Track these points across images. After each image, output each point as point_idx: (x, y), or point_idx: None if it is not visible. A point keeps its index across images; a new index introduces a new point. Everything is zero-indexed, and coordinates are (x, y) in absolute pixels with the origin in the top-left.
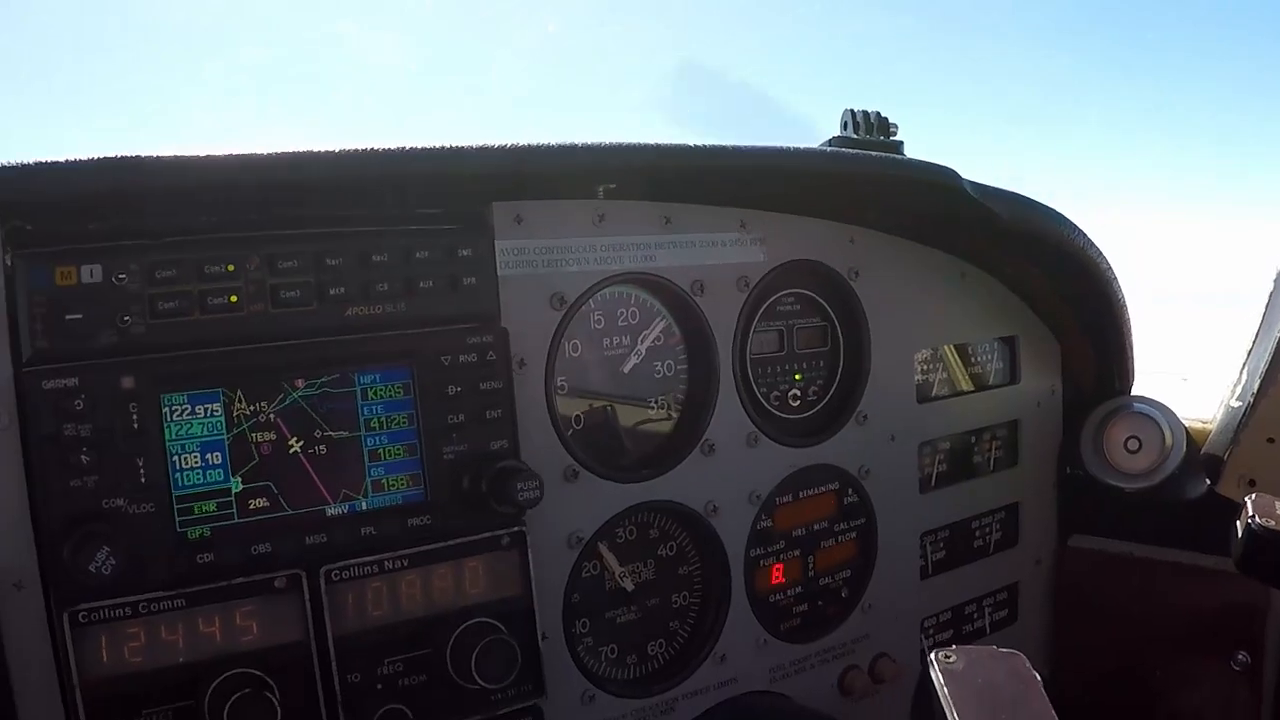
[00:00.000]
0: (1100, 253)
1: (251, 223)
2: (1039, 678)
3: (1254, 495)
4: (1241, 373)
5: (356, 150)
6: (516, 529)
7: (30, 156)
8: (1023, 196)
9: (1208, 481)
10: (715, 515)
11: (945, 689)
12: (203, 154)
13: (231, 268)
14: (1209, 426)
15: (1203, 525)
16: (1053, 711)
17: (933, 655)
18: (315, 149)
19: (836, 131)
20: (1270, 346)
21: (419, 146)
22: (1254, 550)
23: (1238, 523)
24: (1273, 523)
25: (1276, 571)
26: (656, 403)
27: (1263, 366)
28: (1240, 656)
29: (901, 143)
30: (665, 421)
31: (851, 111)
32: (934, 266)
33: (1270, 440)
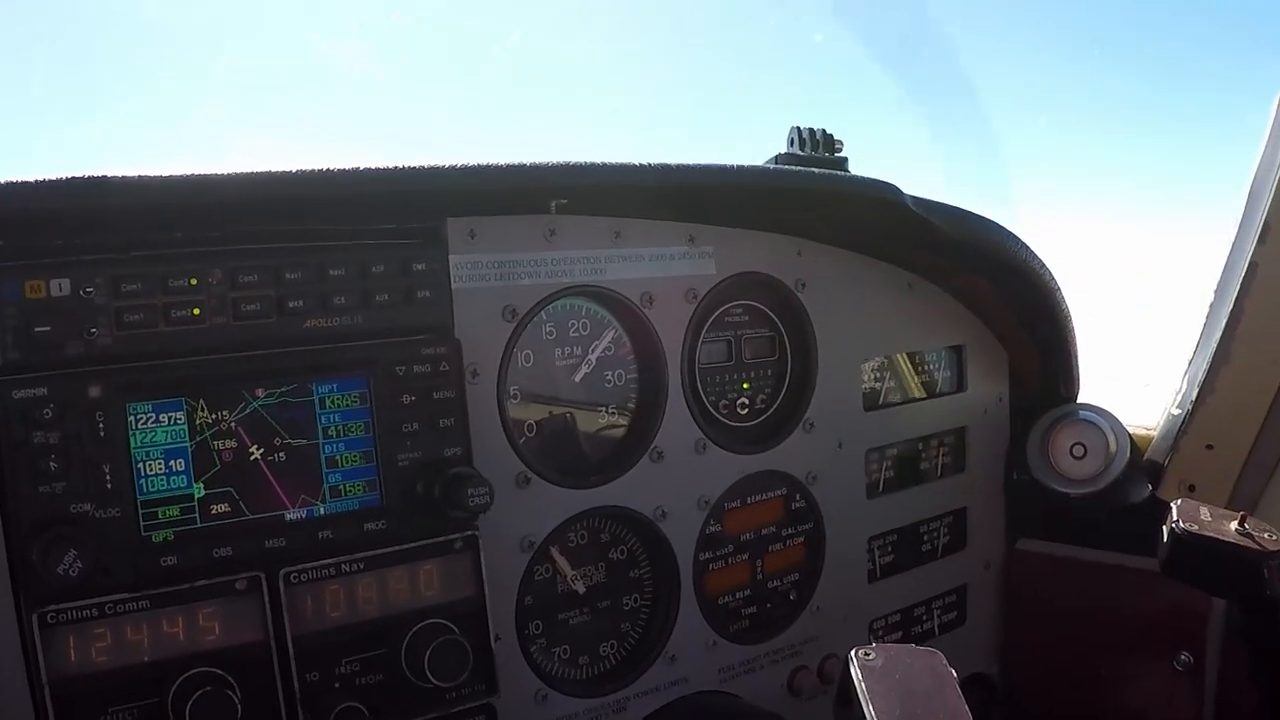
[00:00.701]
0: (1043, 264)
1: (214, 237)
2: (955, 675)
3: (1179, 500)
4: (1182, 381)
5: (313, 171)
6: (469, 533)
7: None
8: (964, 211)
9: (1150, 487)
10: (664, 520)
11: (863, 684)
12: (165, 174)
13: (194, 281)
14: (1153, 432)
15: (1145, 529)
16: (966, 708)
17: (853, 653)
18: (273, 169)
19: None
20: (1208, 356)
21: (373, 167)
22: (1177, 554)
23: (1163, 527)
24: (1195, 527)
25: (1198, 574)
26: (607, 411)
27: (1200, 375)
28: (1183, 657)
29: (846, 159)
30: (616, 429)
31: (798, 128)
32: (881, 277)
33: (1209, 446)
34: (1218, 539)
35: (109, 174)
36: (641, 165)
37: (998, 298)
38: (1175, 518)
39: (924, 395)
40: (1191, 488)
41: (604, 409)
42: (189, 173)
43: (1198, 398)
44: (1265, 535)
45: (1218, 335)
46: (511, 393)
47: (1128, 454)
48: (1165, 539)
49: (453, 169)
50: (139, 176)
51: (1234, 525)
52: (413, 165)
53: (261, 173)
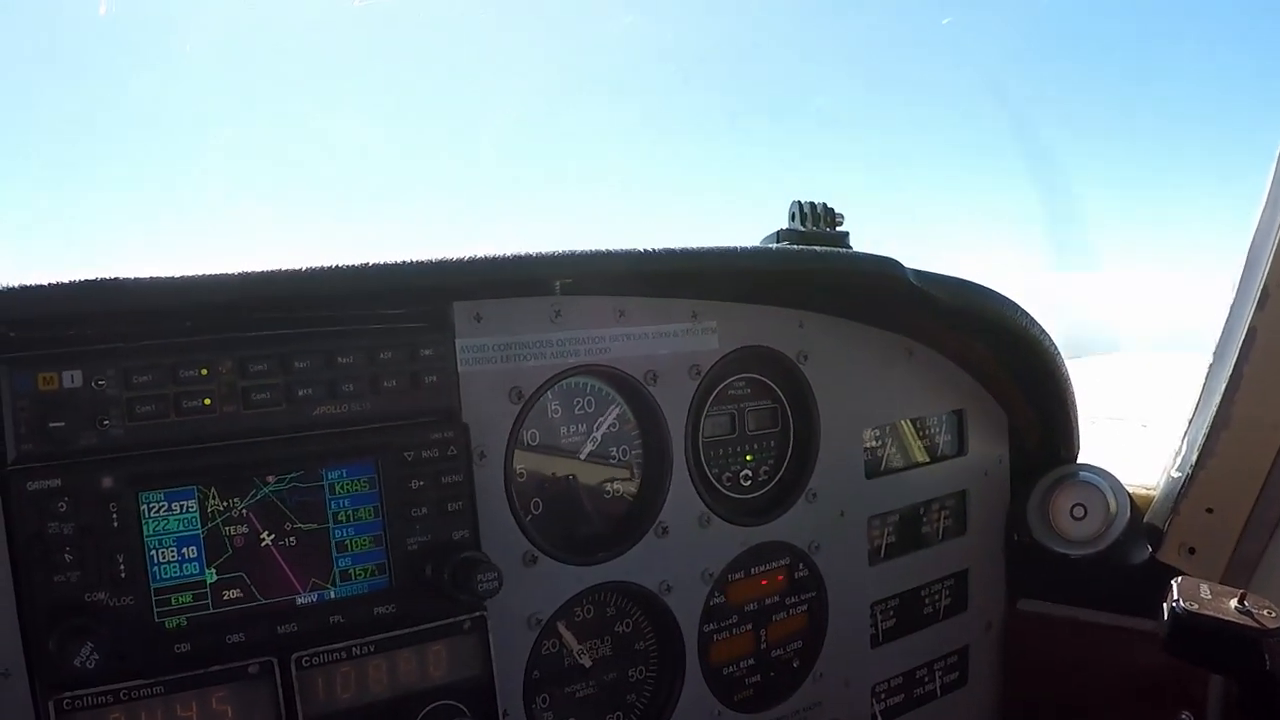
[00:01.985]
0: (1043, 330)
1: (224, 326)
2: None
3: (1180, 579)
4: (1182, 444)
5: (322, 268)
6: (477, 614)
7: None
8: (965, 281)
9: (1150, 548)
10: (669, 594)
11: None
12: (178, 275)
13: (205, 371)
14: (1153, 492)
15: (1146, 590)
16: None
17: None
18: (283, 268)
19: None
20: (1207, 419)
21: (379, 263)
22: (1179, 632)
23: (1164, 605)
24: (1196, 606)
25: (1200, 652)
26: (612, 486)
27: (1200, 439)
28: (1183, 717)
29: (847, 233)
30: (621, 504)
31: (799, 203)
32: (881, 345)
33: (1209, 510)
34: (1218, 618)
35: (123, 276)
36: (646, 252)
37: (998, 362)
38: (1176, 596)
39: (927, 459)
40: (1191, 550)
41: (609, 485)
42: (202, 273)
43: (1197, 461)
44: (1265, 612)
45: (1217, 399)
46: (518, 471)
47: (1128, 515)
48: (1166, 617)
49: (459, 262)
50: (153, 278)
51: (1234, 603)
52: (419, 259)
53: (272, 271)
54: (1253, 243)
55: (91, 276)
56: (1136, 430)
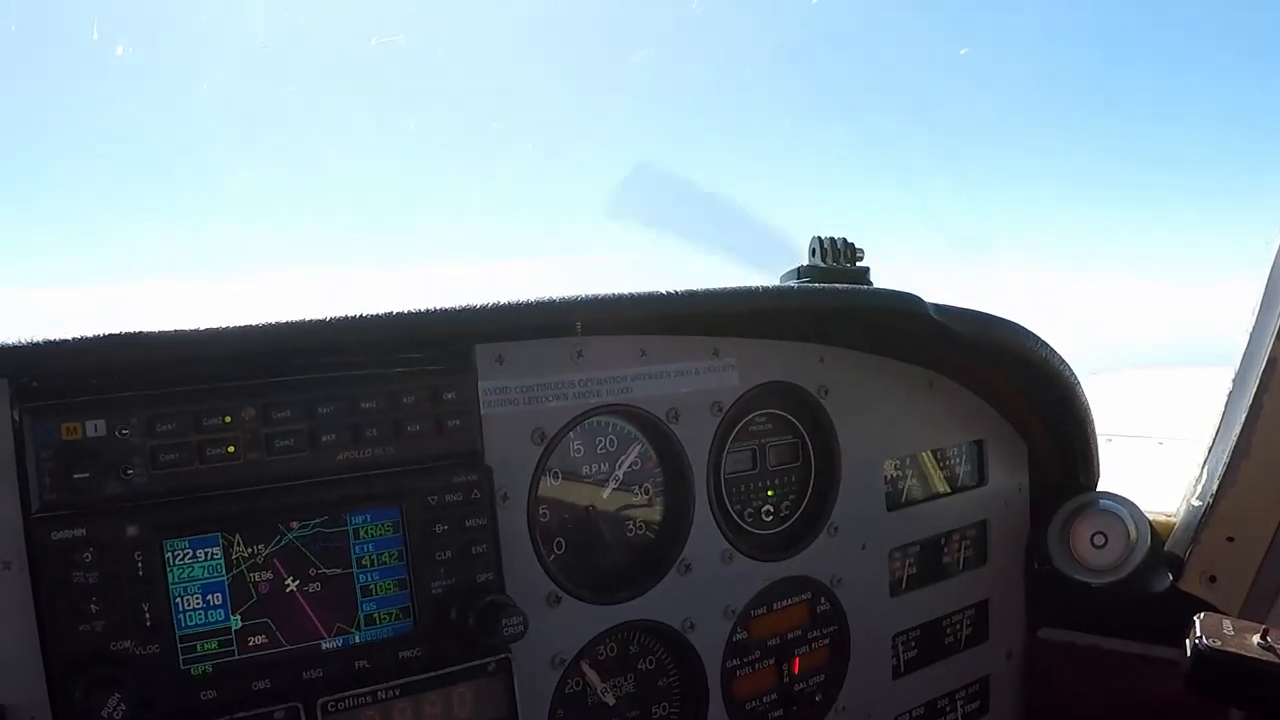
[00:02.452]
0: (1062, 360)
1: (246, 373)
2: None
3: (1202, 615)
4: (1202, 471)
5: (344, 318)
6: (502, 656)
7: (33, 326)
8: (985, 314)
9: (1171, 577)
10: (692, 631)
11: None
12: (200, 328)
13: (229, 419)
14: (1173, 520)
15: (1167, 619)
16: None
17: None
18: (305, 318)
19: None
20: (1228, 447)
21: (401, 311)
22: (1201, 669)
23: (1187, 641)
24: (1219, 643)
25: (1223, 689)
26: (635, 525)
27: (1221, 468)
28: None
29: (867, 269)
30: (643, 541)
31: (819, 239)
32: (902, 378)
33: (1230, 539)
34: (1240, 654)
35: (144, 329)
36: (667, 294)
37: (1017, 392)
38: (1198, 633)
39: (947, 490)
40: (1213, 579)
41: (631, 523)
42: (223, 325)
43: (1218, 490)
44: None
45: (1237, 429)
46: (541, 512)
47: (1148, 543)
48: (1189, 653)
49: (481, 309)
50: (175, 331)
51: (1256, 639)
52: (441, 307)
53: (294, 322)
54: (1274, 266)
55: (114, 330)
56: (1154, 448)
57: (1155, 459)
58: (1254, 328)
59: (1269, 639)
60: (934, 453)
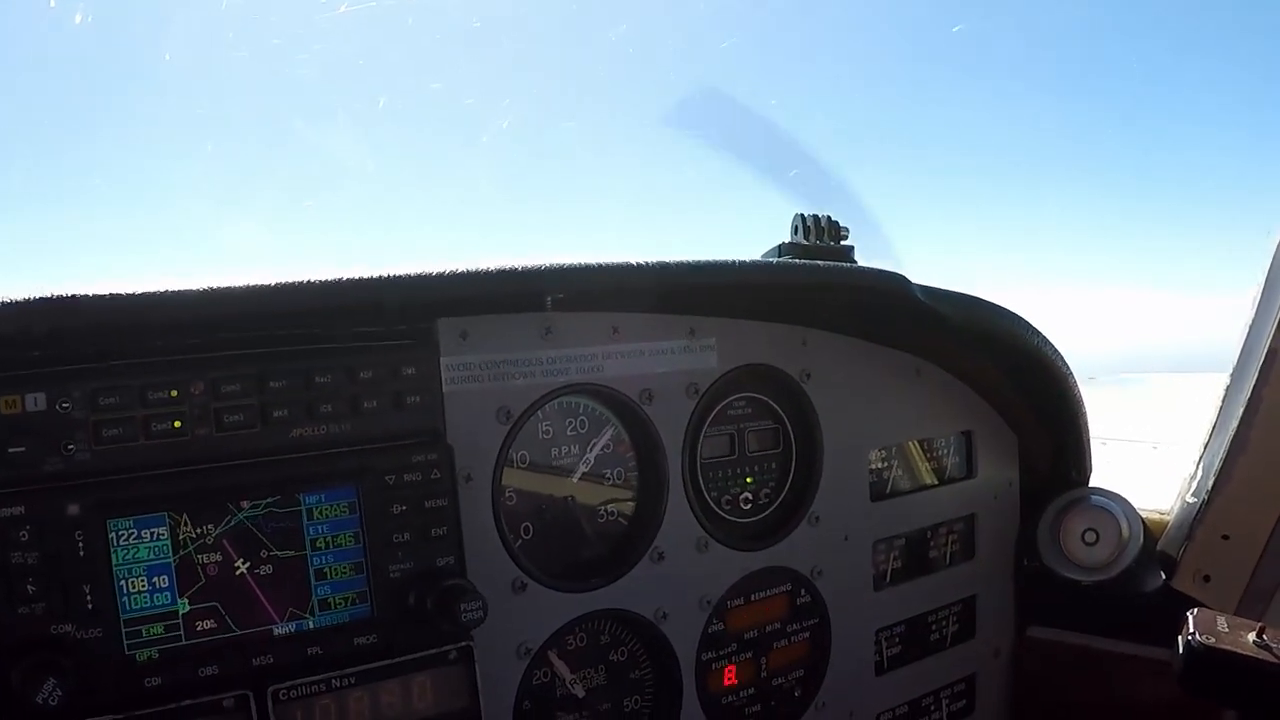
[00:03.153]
0: (1055, 349)
1: (194, 346)
2: None
3: (1196, 610)
4: (1197, 469)
5: (296, 283)
6: (464, 644)
7: None
8: (973, 297)
9: (1164, 575)
10: (665, 621)
11: None
12: (138, 291)
13: (175, 393)
14: (1167, 518)
15: (1159, 619)
16: None
17: None
18: (251, 283)
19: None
20: (1224, 444)
21: (359, 276)
22: (1194, 667)
23: (1179, 638)
24: (1213, 640)
25: (1217, 689)
26: (606, 510)
27: (1217, 464)
28: None
29: (851, 247)
30: (616, 528)
31: (802, 216)
32: (888, 364)
33: (1225, 537)
34: (1235, 652)
35: (80, 293)
36: (640, 265)
37: (1008, 382)
38: (1191, 629)
39: (934, 481)
40: (1207, 578)
41: (603, 508)
42: (165, 289)
43: (1214, 487)
44: None
45: (1234, 423)
46: (507, 495)
47: (1140, 541)
48: (1181, 651)
49: (444, 276)
50: (111, 295)
51: (1252, 636)
52: (400, 273)
53: (241, 287)
54: (1274, 259)
55: (53, 293)
56: (1148, 452)
57: (1149, 462)
58: (1253, 319)
59: (1265, 637)
60: (921, 443)
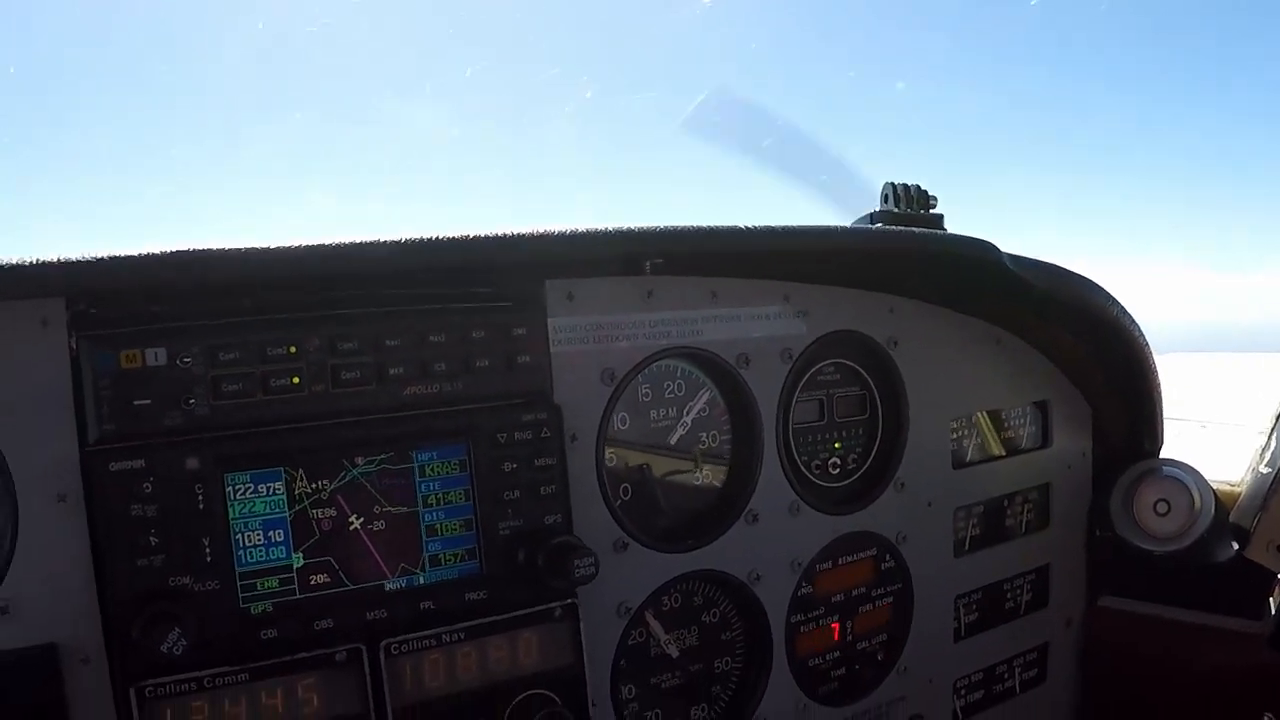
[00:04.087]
0: (1133, 320)
1: (312, 304)
2: None
3: None
4: (1270, 438)
5: (419, 240)
6: (569, 601)
7: (91, 244)
8: (1059, 267)
9: (1236, 546)
10: (758, 583)
11: None
12: (266, 246)
13: (293, 349)
14: (1238, 489)
15: (1231, 589)
16: None
17: None
18: (375, 239)
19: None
20: None
21: (475, 235)
22: None
23: (1271, 600)
24: None
25: None
26: (701, 473)
27: None
28: (1267, 718)
29: (941, 215)
30: (709, 490)
31: (893, 184)
32: (970, 333)
33: None
34: None
35: (209, 247)
36: (746, 229)
37: (1085, 352)
38: None
39: (1004, 453)
40: None
41: (698, 471)
42: (293, 244)
43: None
44: None
45: None
46: (608, 456)
47: (1212, 512)
48: (1274, 611)
49: (557, 235)
50: (239, 249)
51: None
52: (517, 232)
53: (365, 243)
54: None
55: (178, 248)
56: (1196, 430)
57: (1198, 441)
58: None
59: None
60: (999, 412)
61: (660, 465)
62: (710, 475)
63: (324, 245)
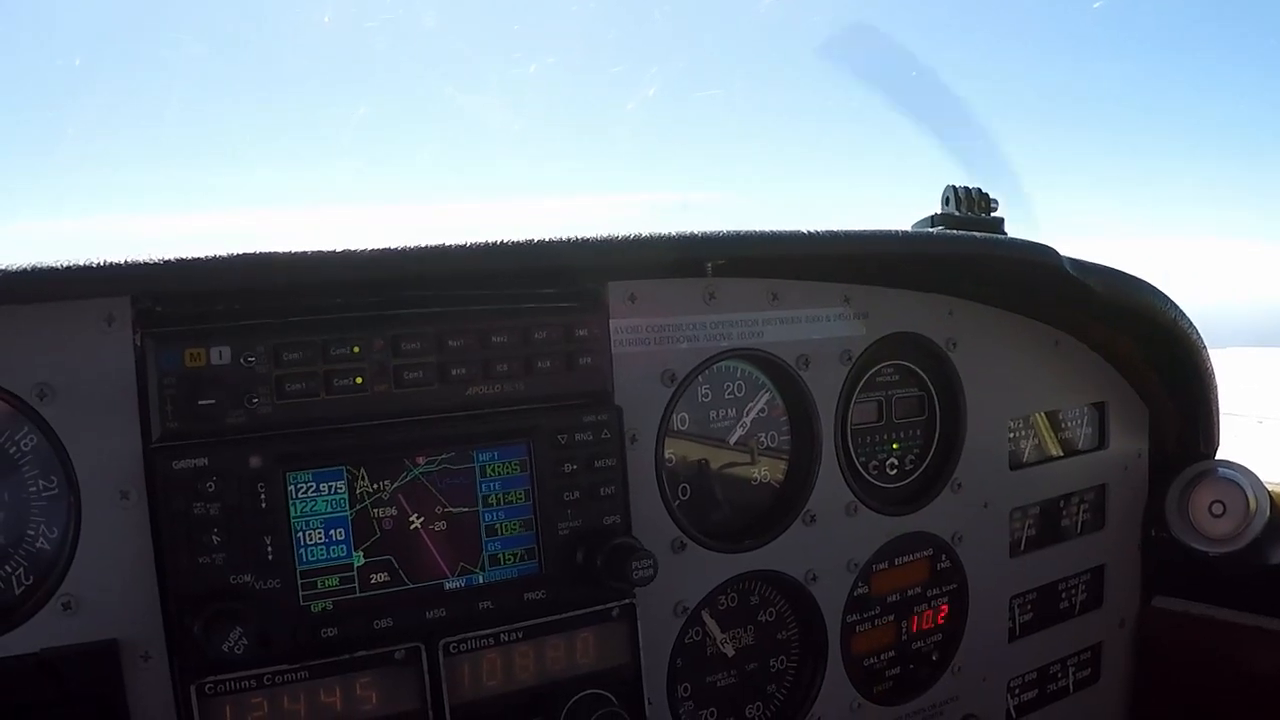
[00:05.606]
0: (1191, 323)
1: (375, 304)
2: None
3: None
4: None
5: (482, 244)
6: (627, 602)
7: (160, 245)
8: (1119, 272)
9: None
10: (814, 583)
11: None
12: (333, 249)
13: (357, 349)
14: None
15: None
16: None
17: None
18: (443, 243)
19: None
20: None
21: (539, 240)
22: None
23: None
24: None
25: None
26: (759, 473)
27: None
28: None
29: (1001, 219)
30: (767, 490)
31: (953, 188)
32: (1029, 335)
33: None
34: None
35: (274, 250)
36: (807, 234)
37: (1142, 355)
38: None
39: (1061, 453)
40: None
41: (756, 471)
42: (357, 248)
43: None
44: None
45: None
46: (667, 457)
47: (1268, 514)
48: None
49: (620, 240)
50: (305, 253)
51: None
52: (579, 236)
53: (432, 247)
54: None
55: (245, 250)
56: (1253, 426)
57: (1256, 437)
58: None
59: None
60: (1057, 413)
61: (719, 463)
62: (769, 471)
63: (389, 250)
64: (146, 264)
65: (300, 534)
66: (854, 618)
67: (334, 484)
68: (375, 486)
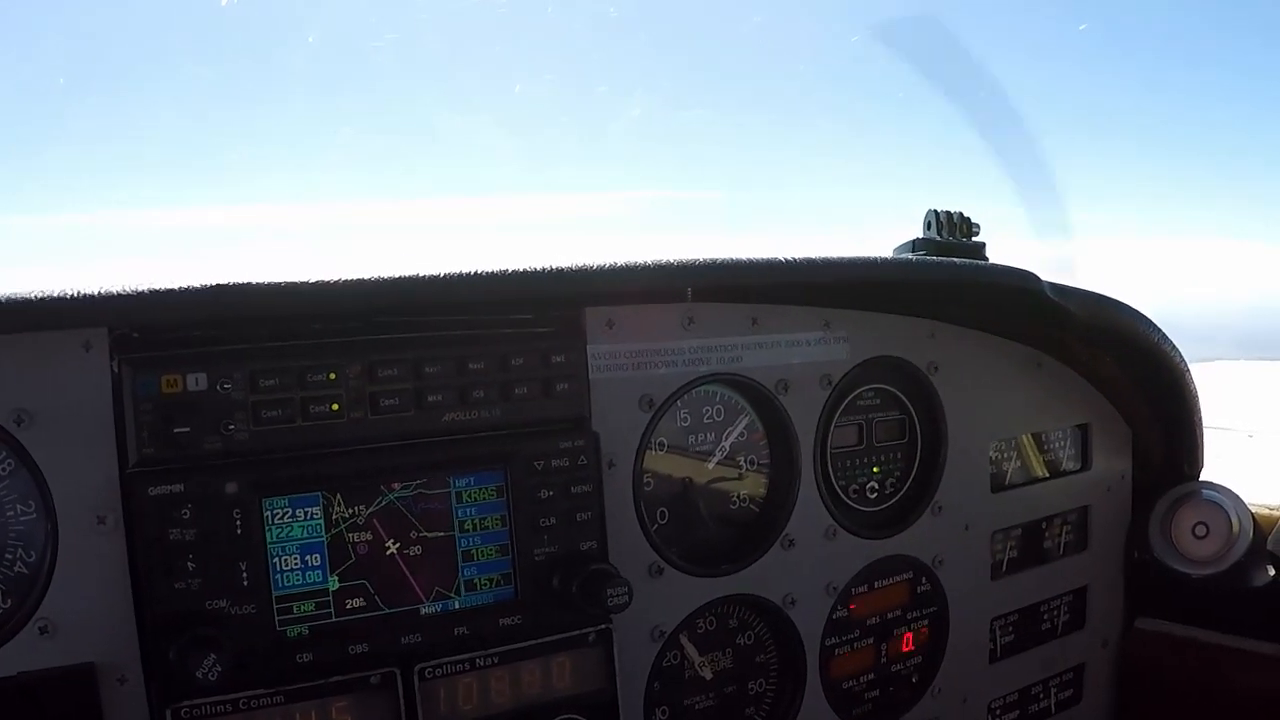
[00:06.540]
0: (1173, 346)
1: (352, 329)
2: None
3: None
4: None
5: (457, 274)
6: (604, 627)
7: (134, 276)
8: (1100, 295)
9: (1273, 571)
10: (793, 607)
11: None
12: (308, 280)
13: (333, 376)
14: (1276, 512)
15: (1268, 613)
16: None
17: None
18: (418, 273)
19: None
20: None
21: (514, 269)
22: None
23: None
24: None
25: None
26: (738, 497)
27: None
28: None
29: (983, 244)
30: (746, 514)
31: (934, 212)
32: (1011, 358)
33: None
34: None
35: (250, 280)
36: (784, 261)
37: (1125, 377)
38: None
39: (1047, 474)
40: None
41: (735, 495)
42: (333, 278)
43: None
44: None
45: None
46: (645, 481)
47: (1250, 536)
48: None
49: (596, 270)
50: (283, 283)
51: None
52: (555, 266)
53: (407, 277)
54: None
55: (221, 281)
56: (1243, 441)
57: (1245, 452)
58: None
59: None
60: (1039, 435)
61: (698, 487)
62: (748, 495)
63: (363, 281)
64: (121, 295)
65: (276, 559)
66: (833, 641)
67: (310, 509)
68: (351, 511)
